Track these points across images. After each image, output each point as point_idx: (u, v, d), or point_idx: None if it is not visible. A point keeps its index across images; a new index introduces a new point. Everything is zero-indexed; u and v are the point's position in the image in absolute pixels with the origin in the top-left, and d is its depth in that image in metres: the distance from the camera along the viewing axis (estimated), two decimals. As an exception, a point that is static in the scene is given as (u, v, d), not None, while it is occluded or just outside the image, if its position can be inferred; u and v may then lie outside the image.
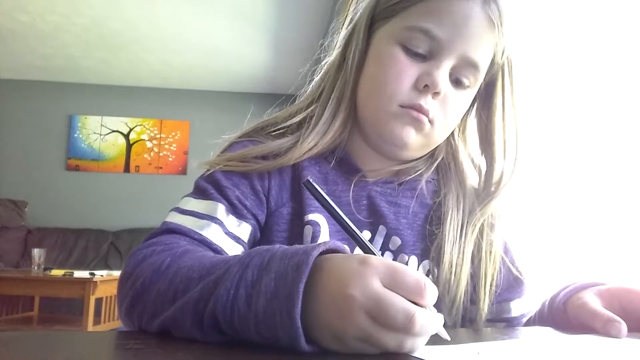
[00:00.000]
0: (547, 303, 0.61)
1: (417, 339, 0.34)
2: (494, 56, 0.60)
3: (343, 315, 0.33)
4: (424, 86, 0.57)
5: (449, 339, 0.38)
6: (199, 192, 0.60)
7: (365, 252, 0.42)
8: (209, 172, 0.61)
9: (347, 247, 0.39)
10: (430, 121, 0.59)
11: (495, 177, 0.64)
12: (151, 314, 0.43)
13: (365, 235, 0.63)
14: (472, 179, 0.68)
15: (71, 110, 4.82)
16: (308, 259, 0.35)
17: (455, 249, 0.61)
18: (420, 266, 0.62)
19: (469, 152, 0.69)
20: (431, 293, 0.35)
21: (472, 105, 0.66)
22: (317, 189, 0.43)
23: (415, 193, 0.65)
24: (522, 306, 0.65)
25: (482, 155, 0.67)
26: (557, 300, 0.56)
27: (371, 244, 0.43)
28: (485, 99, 0.65)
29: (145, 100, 4.87)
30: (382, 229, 0.63)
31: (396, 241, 0.62)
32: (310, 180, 0.44)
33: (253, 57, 4.13)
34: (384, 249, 0.63)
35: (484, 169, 0.66)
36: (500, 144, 0.64)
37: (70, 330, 2.61)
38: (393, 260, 0.61)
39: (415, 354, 0.34)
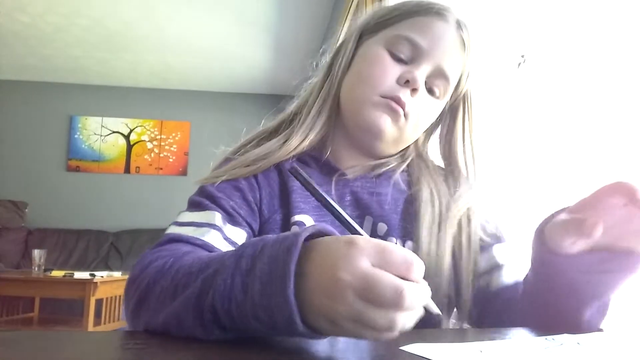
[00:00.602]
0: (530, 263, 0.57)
1: (409, 315, 0.34)
2: (461, 77, 0.69)
3: (333, 296, 0.34)
4: (405, 82, 0.65)
5: (438, 312, 0.38)
6: (195, 206, 0.63)
7: (351, 232, 0.43)
8: (200, 189, 0.66)
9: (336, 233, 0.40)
10: (405, 115, 0.65)
11: (462, 181, 0.71)
12: (154, 311, 0.44)
13: None
14: (443, 176, 0.73)
15: (71, 111, 4.82)
16: (297, 240, 0.36)
17: (433, 242, 0.64)
18: (406, 246, 0.66)
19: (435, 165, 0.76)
20: (418, 267, 0.35)
21: (435, 126, 0.74)
22: (302, 175, 0.45)
23: (391, 182, 0.70)
24: (505, 252, 0.67)
25: (448, 167, 0.74)
26: (533, 242, 0.53)
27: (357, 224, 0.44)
28: (448, 125, 0.73)
29: (145, 101, 4.87)
30: (368, 219, 0.67)
31: (383, 227, 0.67)
32: (296, 167, 0.46)
33: (253, 58, 4.13)
34: (372, 236, 0.65)
35: (451, 176, 0.73)
36: (463, 164, 0.71)
37: (71, 331, 2.60)
38: None
39: (419, 353, 0.34)
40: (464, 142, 0.72)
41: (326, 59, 0.76)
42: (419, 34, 0.65)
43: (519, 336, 0.44)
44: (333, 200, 0.44)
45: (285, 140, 0.68)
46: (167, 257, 0.49)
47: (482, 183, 0.70)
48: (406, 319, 0.34)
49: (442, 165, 0.75)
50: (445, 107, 0.72)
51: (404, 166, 0.72)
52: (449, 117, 0.73)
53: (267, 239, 0.39)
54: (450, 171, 0.73)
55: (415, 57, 0.65)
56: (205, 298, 0.39)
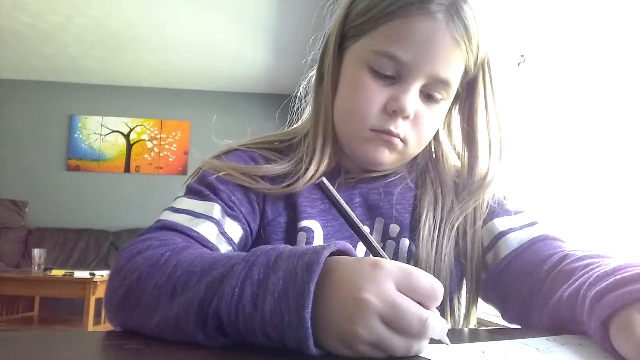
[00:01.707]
0: (577, 298, 0.44)
1: (424, 342, 0.35)
2: (466, 68, 0.60)
3: (355, 319, 0.33)
4: (393, 111, 0.58)
5: (449, 344, 0.37)
6: (194, 194, 0.60)
7: (373, 254, 0.42)
8: (201, 176, 0.62)
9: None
10: (403, 140, 0.60)
11: (478, 174, 0.65)
12: (146, 309, 0.41)
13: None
14: (454, 176, 0.68)
15: (71, 110, 4.82)
16: (319, 258, 0.34)
17: (433, 246, 0.62)
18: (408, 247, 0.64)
19: (454, 143, 0.70)
20: (441, 295, 0.35)
21: (454, 102, 0.66)
22: (330, 190, 0.42)
23: (402, 182, 0.66)
24: (506, 221, 0.64)
25: (465, 151, 0.68)
26: (593, 314, 0.40)
27: (378, 244, 0.43)
28: (466, 98, 0.65)
29: (145, 100, 4.87)
30: (379, 220, 0.65)
31: (395, 228, 0.64)
32: (324, 180, 0.43)
33: (253, 57, 4.13)
34: (384, 238, 0.64)
35: (466, 164, 0.67)
36: (483, 141, 0.65)
37: (71, 331, 2.60)
38: (395, 246, 0.63)
39: (421, 354, 0.34)
40: (487, 116, 0.63)
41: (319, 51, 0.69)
42: (401, 46, 0.56)
43: (521, 337, 0.44)
44: (359, 220, 0.42)
45: (296, 169, 0.63)
46: (161, 249, 0.45)
47: (509, 154, 0.64)
48: (421, 346, 0.34)
49: (460, 150, 0.69)
50: (458, 89, 0.63)
51: (414, 172, 0.68)
52: (465, 93, 0.65)
53: (279, 249, 0.38)
54: (465, 167, 0.67)
55: (401, 72, 0.57)
56: (209, 304, 0.37)
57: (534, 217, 0.64)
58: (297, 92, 0.75)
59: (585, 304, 0.41)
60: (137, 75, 4.61)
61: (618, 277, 0.39)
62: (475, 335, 0.47)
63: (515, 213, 0.65)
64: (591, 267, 0.47)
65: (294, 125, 0.73)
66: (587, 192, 1.35)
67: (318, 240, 0.62)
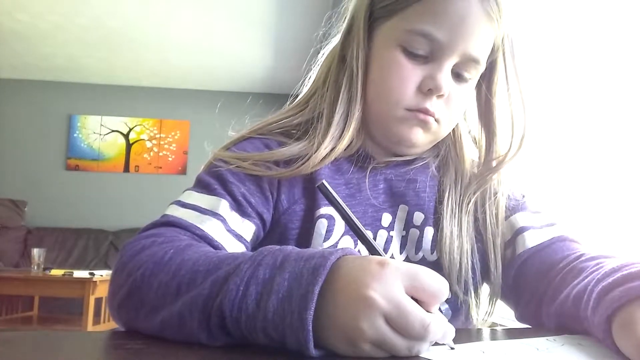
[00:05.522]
0: (583, 297, 0.44)
1: (425, 344, 0.35)
2: (494, 45, 0.61)
3: (360, 315, 0.33)
4: (428, 90, 0.58)
5: (454, 348, 0.38)
6: (203, 187, 0.59)
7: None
8: (211, 167, 0.60)
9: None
10: (437, 120, 0.60)
11: (497, 152, 0.65)
12: (151, 307, 0.41)
13: (386, 219, 0.63)
14: (473, 155, 0.68)
15: (71, 110, 4.81)
16: (326, 262, 0.35)
17: (456, 224, 0.62)
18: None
19: (469, 127, 0.70)
20: (446, 295, 0.36)
21: None
22: (330, 192, 0.42)
23: (428, 170, 0.66)
24: (527, 217, 0.64)
25: (482, 131, 0.67)
26: (598, 308, 0.40)
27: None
28: (486, 76, 0.64)
29: (145, 100, 4.87)
30: (403, 208, 0.64)
31: (419, 216, 0.63)
32: (325, 183, 0.43)
33: (253, 57, 4.12)
34: (407, 226, 0.63)
35: (483, 144, 0.67)
36: (500, 120, 0.64)
37: (70, 330, 2.61)
38: (419, 235, 0.63)
39: (422, 354, 0.34)
40: (508, 91, 0.63)
41: (332, 29, 0.68)
42: (435, 25, 0.56)
43: (521, 337, 0.44)
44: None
45: (309, 148, 0.61)
46: (165, 247, 0.45)
47: (529, 138, 0.62)
48: (423, 347, 0.35)
49: (476, 133, 0.68)
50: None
51: (440, 156, 0.67)
52: (486, 71, 0.63)
53: (287, 251, 0.38)
54: (484, 137, 0.66)
55: (435, 51, 0.57)
56: (213, 302, 0.37)
57: (553, 218, 0.65)
58: (296, 91, 0.73)
59: (592, 299, 0.42)
60: (137, 75, 4.61)
61: (625, 272, 0.40)
62: (475, 335, 0.47)
63: (534, 213, 0.65)
64: (601, 264, 0.48)
65: (297, 100, 0.70)
66: (590, 193, 1.35)
67: (340, 228, 0.60)
